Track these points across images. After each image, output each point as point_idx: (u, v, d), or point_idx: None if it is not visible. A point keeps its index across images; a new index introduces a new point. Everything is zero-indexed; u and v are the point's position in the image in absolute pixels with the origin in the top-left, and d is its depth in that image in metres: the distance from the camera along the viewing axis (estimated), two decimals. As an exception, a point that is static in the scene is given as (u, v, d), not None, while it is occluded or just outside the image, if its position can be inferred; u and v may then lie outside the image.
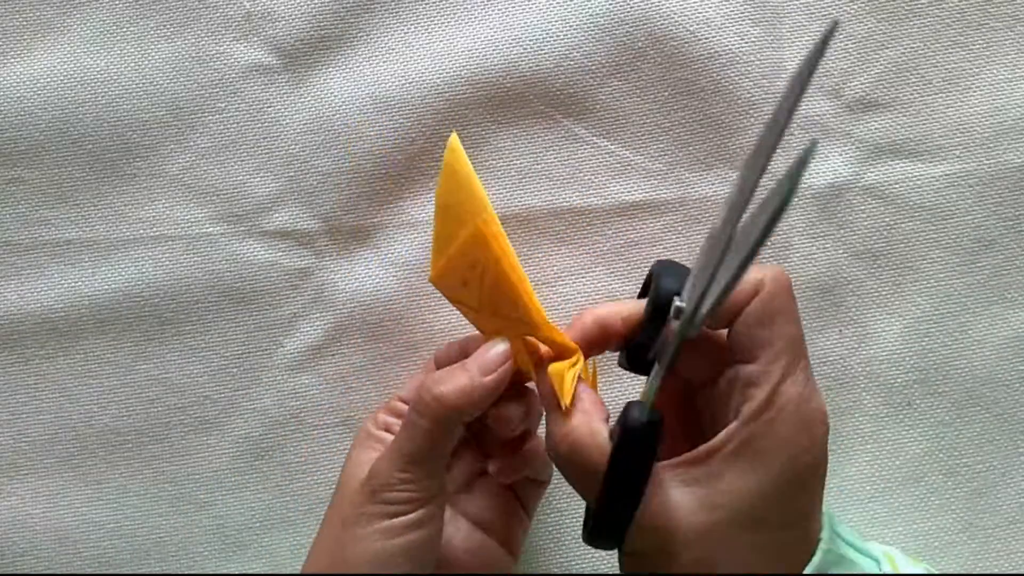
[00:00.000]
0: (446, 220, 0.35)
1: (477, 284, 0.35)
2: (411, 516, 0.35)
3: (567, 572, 0.45)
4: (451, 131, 0.46)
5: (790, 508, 0.31)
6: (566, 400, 0.33)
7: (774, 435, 0.30)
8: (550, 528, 0.45)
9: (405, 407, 0.39)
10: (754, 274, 0.32)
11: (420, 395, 0.35)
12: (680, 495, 0.31)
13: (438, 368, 0.39)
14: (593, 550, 0.46)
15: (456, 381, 0.35)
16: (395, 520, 0.34)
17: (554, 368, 0.34)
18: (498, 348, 0.35)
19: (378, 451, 0.37)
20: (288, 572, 0.46)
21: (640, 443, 0.30)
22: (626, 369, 0.36)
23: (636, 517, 0.31)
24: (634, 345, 0.35)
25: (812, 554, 0.31)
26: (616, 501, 0.31)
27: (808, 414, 0.31)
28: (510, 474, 0.39)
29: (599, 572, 0.45)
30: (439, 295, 0.46)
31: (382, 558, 0.34)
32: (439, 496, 0.36)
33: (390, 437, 0.38)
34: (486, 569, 0.39)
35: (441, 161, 0.47)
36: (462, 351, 0.39)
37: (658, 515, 0.31)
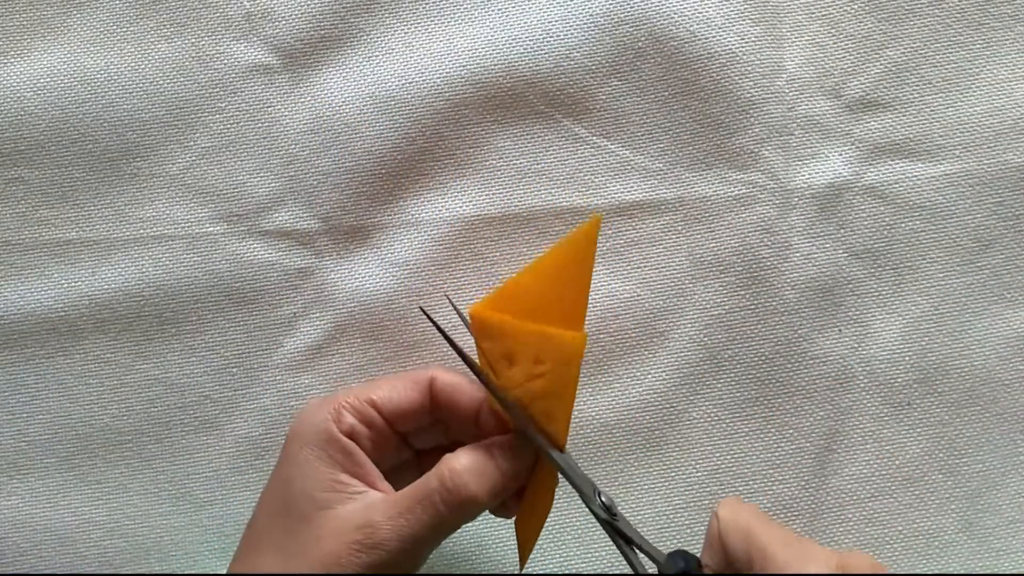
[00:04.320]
0: (549, 284, 0.35)
1: (524, 375, 0.35)
2: None
3: (567, 572, 0.45)
4: (453, 128, 0.46)
5: None
6: (521, 558, 0.37)
7: None
8: (550, 528, 0.45)
9: (377, 417, 0.37)
10: (711, 522, 0.32)
11: (451, 485, 0.34)
12: None
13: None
14: (592, 549, 0.46)
15: (489, 481, 0.35)
16: None
17: (526, 526, 0.37)
18: (528, 457, 0.36)
19: (341, 468, 0.35)
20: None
21: None
22: None
23: None
24: None
25: None
26: None
27: None
28: None
29: (599, 572, 0.45)
30: (439, 296, 0.45)
31: None
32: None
33: (357, 453, 0.36)
34: None
35: (440, 161, 0.47)
36: (453, 398, 0.38)
37: None
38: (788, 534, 0.31)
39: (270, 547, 0.35)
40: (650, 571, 0.34)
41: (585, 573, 0.45)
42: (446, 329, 0.37)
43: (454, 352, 0.37)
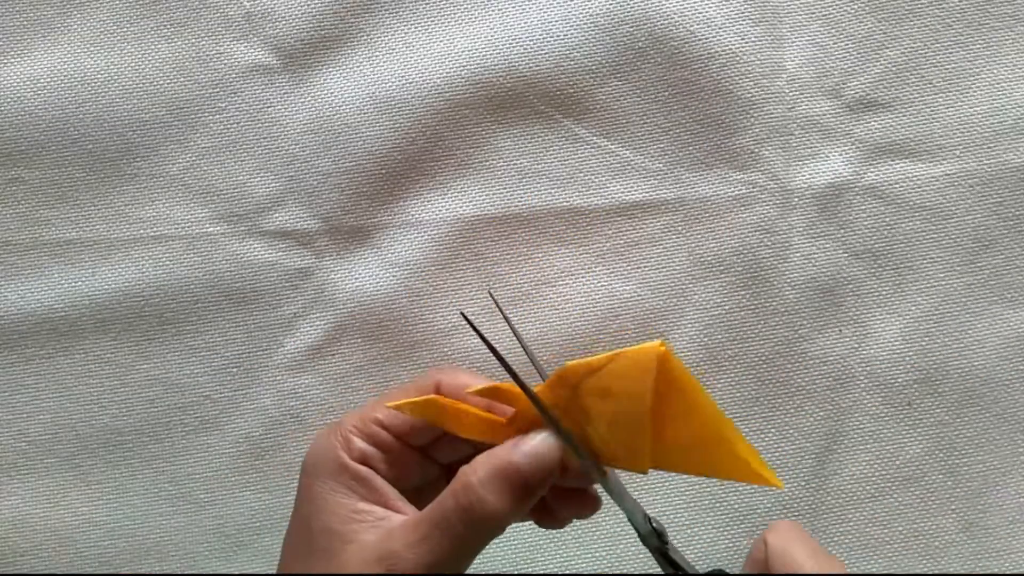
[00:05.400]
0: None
1: (601, 420, 0.31)
2: None
3: (567, 572, 0.45)
4: (453, 128, 0.46)
5: None
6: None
7: None
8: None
9: (387, 436, 0.34)
10: (758, 545, 0.30)
11: (467, 502, 0.31)
12: None
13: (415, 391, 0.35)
14: (591, 549, 0.46)
15: (511, 492, 0.31)
16: None
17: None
18: (552, 451, 0.32)
19: (358, 496, 0.33)
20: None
21: None
22: None
23: None
24: None
25: None
26: None
27: None
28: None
29: (599, 572, 0.45)
30: (439, 294, 0.45)
31: None
32: None
33: (372, 477, 0.33)
34: None
35: (440, 161, 0.47)
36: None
37: None
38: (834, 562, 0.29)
39: None
40: None
41: (587, 573, 0.45)
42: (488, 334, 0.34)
43: (496, 360, 0.33)
